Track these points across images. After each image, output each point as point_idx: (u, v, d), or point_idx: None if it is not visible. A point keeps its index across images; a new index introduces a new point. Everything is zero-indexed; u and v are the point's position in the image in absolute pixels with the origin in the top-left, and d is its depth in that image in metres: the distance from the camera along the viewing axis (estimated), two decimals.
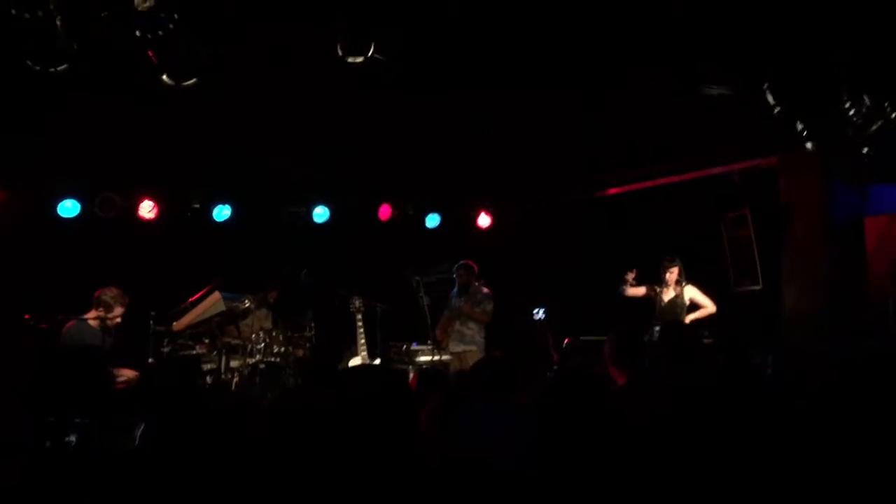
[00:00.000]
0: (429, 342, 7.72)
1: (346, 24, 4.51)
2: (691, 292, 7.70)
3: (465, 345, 7.95)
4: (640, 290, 7.89)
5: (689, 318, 7.61)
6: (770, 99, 5.59)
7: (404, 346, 7.94)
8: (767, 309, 7.37)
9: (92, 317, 6.22)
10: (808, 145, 6.22)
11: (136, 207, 8.38)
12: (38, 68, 4.06)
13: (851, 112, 5.74)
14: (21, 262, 7.58)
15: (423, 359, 7.74)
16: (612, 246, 8.69)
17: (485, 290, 8.06)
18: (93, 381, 3.35)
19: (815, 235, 7.09)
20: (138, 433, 4.45)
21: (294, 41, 5.10)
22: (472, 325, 7.99)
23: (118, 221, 8.29)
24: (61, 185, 8.10)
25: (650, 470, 2.74)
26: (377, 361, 7.60)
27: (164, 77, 4.41)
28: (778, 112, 5.69)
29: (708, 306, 7.63)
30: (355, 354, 7.50)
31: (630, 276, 7.82)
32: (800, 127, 5.98)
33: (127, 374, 6.29)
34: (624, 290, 7.85)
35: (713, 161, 7.92)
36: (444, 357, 7.76)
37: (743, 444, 3.05)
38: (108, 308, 6.22)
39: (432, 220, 9.90)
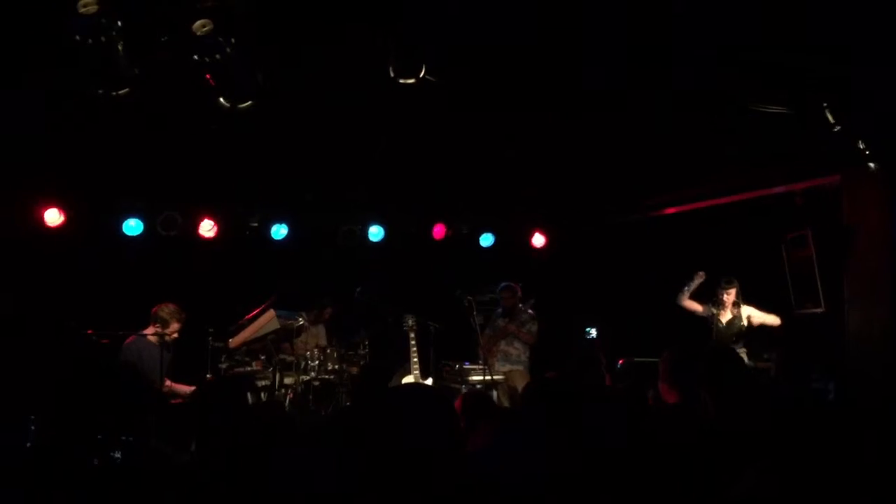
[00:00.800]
0: (480, 362, 7.71)
1: (395, 46, 4.55)
2: (749, 311, 7.55)
3: (511, 364, 7.94)
4: (697, 306, 7.77)
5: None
6: (829, 118, 5.47)
7: (457, 366, 7.95)
8: (830, 332, 7.15)
9: (150, 332, 6.38)
10: (871, 165, 6.07)
11: (196, 226, 8.58)
12: (100, 92, 4.20)
13: None
14: (86, 279, 7.83)
15: (475, 378, 7.73)
16: (669, 267, 8.56)
17: (530, 311, 8.03)
18: (137, 401, 3.43)
19: (879, 257, 6.86)
20: (193, 448, 4.54)
21: (348, 62, 5.18)
22: (517, 345, 7.98)
23: (179, 239, 8.50)
24: (125, 204, 8.34)
25: (690, 490, 2.68)
26: (429, 381, 7.61)
27: (221, 100, 4.51)
28: (838, 131, 5.57)
29: (772, 320, 7.50)
30: (408, 373, 7.54)
31: (700, 277, 7.71)
32: (861, 146, 5.84)
33: (184, 389, 6.43)
34: (682, 297, 7.74)
35: (773, 180, 7.75)
36: (497, 377, 7.74)
37: (799, 469, 2.96)
38: (165, 324, 6.36)
39: (486, 240, 9.90)
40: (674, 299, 7.83)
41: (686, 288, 7.78)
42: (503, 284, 8.18)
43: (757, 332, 7.66)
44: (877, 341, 6.70)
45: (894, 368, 6.39)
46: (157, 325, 6.36)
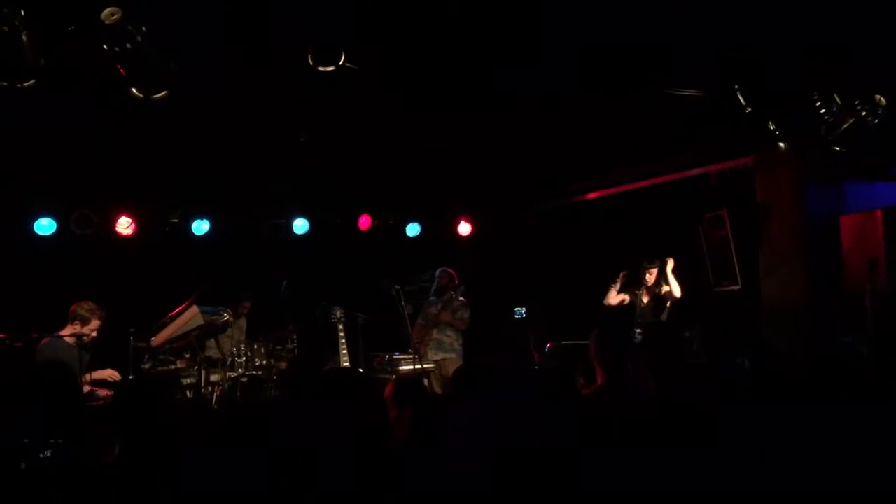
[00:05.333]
0: (410, 351, 7.71)
1: (316, 34, 4.50)
2: (674, 285, 7.75)
3: (444, 352, 7.95)
4: (623, 296, 7.93)
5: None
6: (741, 99, 5.64)
7: (387, 356, 7.93)
8: (746, 308, 7.41)
9: (67, 333, 6.16)
10: (781, 145, 6.29)
11: (113, 224, 8.32)
12: (5, 84, 4.03)
13: (823, 111, 5.81)
14: None
15: (405, 368, 7.72)
16: (592, 251, 8.72)
17: (461, 298, 8.06)
18: (64, 400, 3.31)
19: (791, 234, 7.15)
20: (116, 450, 4.41)
21: (268, 51, 5.09)
22: (450, 332, 7.99)
23: (95, 238, 8.24)
24: (37, 203, 8.04)
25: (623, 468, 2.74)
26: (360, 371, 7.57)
27: (134, 90, 4.38)
28: (749, 112, 5.75)
29: (676, 291, 7.70)
30: (337, 365, 7.47)
31: (619, 281, 7.86)
32: (772, 126, 6.04)
33: (104, 392, 6.24)
34: (608, 297, 7.90)
35: (689, 163, 7.96)
36: (427, 366, 7.75)
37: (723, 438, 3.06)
38: (85, 321, 6.16)
39: (413, 230, 9.91)
40: (601, 297, 7.95)
41: (612, 286, 7.93)
42: (442, 268, 8.20)
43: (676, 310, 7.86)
44: (790, 315, 6.98)
45: (808, 340, 6.67)
46: (77, 322, 6.15)
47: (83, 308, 6.19)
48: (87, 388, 6.14)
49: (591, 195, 9.22)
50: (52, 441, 4.30)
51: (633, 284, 8.00)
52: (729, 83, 5.62)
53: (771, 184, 7.32)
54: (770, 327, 7.09)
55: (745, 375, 4.42)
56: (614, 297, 7.94)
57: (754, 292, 7.38)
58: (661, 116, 6.54)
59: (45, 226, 8.02)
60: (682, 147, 7.66)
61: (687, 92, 5.69)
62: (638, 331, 7.36)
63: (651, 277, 7.82)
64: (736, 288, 7.74)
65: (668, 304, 7.80)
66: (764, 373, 4.44)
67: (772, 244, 7.30)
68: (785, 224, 7.20)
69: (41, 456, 3.87)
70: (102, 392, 6.17)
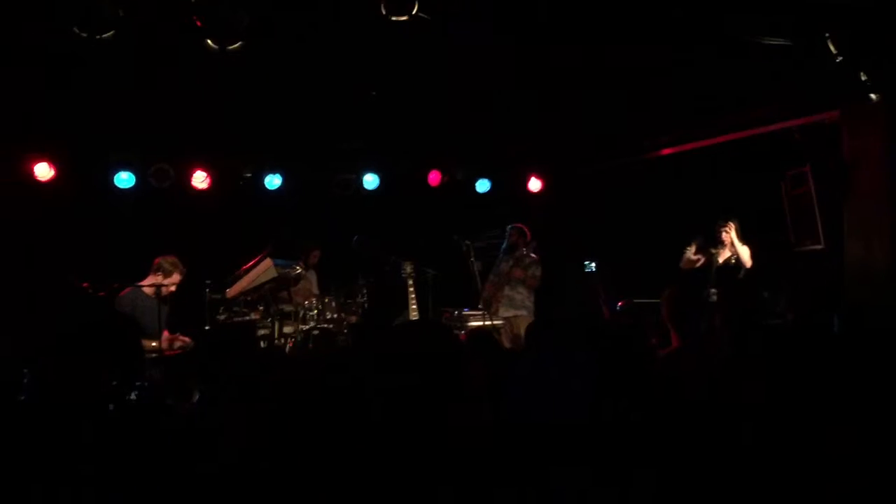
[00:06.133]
0: (480, 307, 7.69)
1: None
2: (742, 251, 7.49)
3: (516, 309, 7.91)
4: (699, 257, 7.69)
5: None
6: (831, 48, 5.35)
7: (456, 312, 7.93)
8: (830, 268, 7.14)
9: (147, 284, 6.34)
10: (872, 96, 5.98)
11: (189, 178, 8.49)
12: (84, 36, 4.09)
13: None
14: (80, 233, 7.78)
15: (474, 324, 7.71)
16: (668, 208, 8.50)
17: (533, 255, 7.98)
18: (125, 352, 3.39)
19: (879, 192, 6.81)
20: (195, 398, 4.53)
21: (339, 3, 5.05)
22: (521, 289, 7.93)
23: (172, 192, 8.42)
24: (116, 157, 8.24)
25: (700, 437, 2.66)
26: None
27: (209, 42, 4.40)
28: (839, 62, 5.46)
29: (746, 259, 7.46)
30: (406, 319, 7.51)
31: (692, 250, 7.65)
32: (863, 77, 5.73)
33: (183, 340, 6.42)
34: (682, 261, 7.68)
35: (771, 117, 7.64)
36: (496, 322, 7.73)
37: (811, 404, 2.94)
38: (167, 273, 6.35)
39: (482, 186, 9.83)
40: (677, 259, 7.73)
41: (687, 249, 7.71)
42: (514, 224, 8.13)
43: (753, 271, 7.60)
44: (877, 276, 6.69)
45: (894, 302, 6.39)
46: (159, 273, 6.34)
47: (167, 261, 6.38)
48: (165, 339, 6.33)
49: (666, 151, 8.96)
50: (138, 384, 4.46)
51: (708, 245, 7.75)
52: (818, 30, 5.34)
53: (859, 139, 6.97)
54: (854, 289, 6.81)
55: (835, 336, 4.25)
56: (689, 259, 7.72)
57: (838, 252, 7.10)
58: (740, 66, 6.27)
59: (124, 179, 8.23)
60: (763, 100, 7.35)
61: (774, 41, 5.43)
62: (713, 290, 7.22)
63: (727, 236, 7.56)
64: (819, 247, 7.45)
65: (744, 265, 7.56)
66: (854, 334, 4.27)
67: (857, 202, 6.99)
68: (872, 181, 6.87)
69: (128, 398, 4.01)
70: (179, 342, 6.35)
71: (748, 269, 7.41)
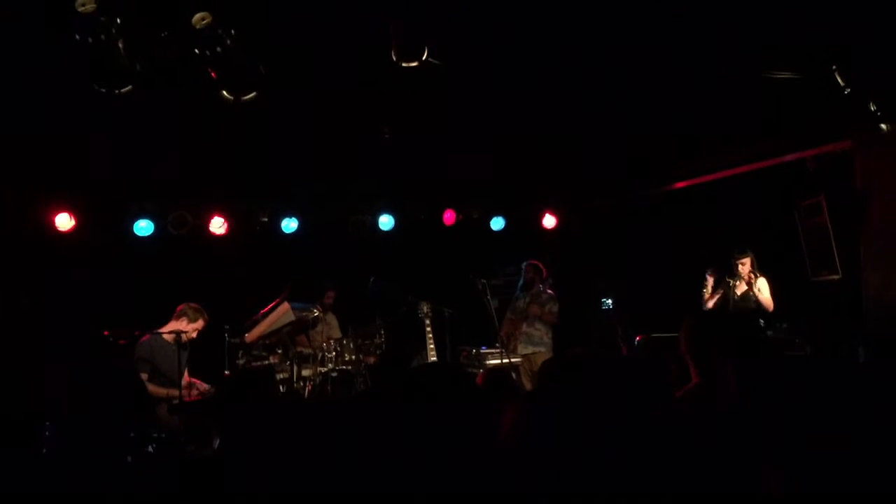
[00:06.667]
0: (497, 345, 7.69)
1: (398, 30, 4.51)
2: (762, 285, 7.47)
3: (535, 346, 7.91)
4: (718, 293, 7.66)
5: None
6: (839, 80, 5.39)
7: (473, 350, 7.93)
8: (847, 299, 7.09)
9: (167, 331, 6.38)
10: (883, 126, 5.99)
11: (207, 224, 8.60)
12: (103, 91, 4.19)
13: None
14: (100, 282, 7.87)
15: (492, 362, 7.72)
16: (682, 242, 8.50)
17: (549, 291, 7.99)
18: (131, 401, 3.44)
19: (893, 221, 6.79)
20: (216, 443, 4.54)
21: (351, 51, 5.15)
22: (539, 326, 7.94)
23: (190, 238, 8.52)
24: (135, 206, 8.36)
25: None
26: None
27: (224, 93, 4.49)
28: (848, 93, 5.49)
29: (767, 303, 7.43)
30: (425, 360, 7.52)
31: (708, 288, 7.64)
32: (873, 108, 5.76)
33: (202, 387, 6.44)
34: (704, 303, 7.66)
35: (784, 149, 7.66)
36: (514, 360, 7.72)
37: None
38: (192, 319, 6.43)
39: (497, 223, 9.88)
40: (698, 299, 7.72)
41: (703, 292, 7.70)
42: (528, 261, 8.16)
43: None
44: (895, 305, 6.64)
45: None
46: (183, 319, 6.41)
47: (191, 308, 6.47)
48: (185, 385, 6.35)
49: (680, 184, 8.98)
50: (154, 435, 4.49)
51: (724, 278, 7.72)
52: (825, 63, 5.38)
53: (872, 168, 6.97)
54: (874, 319, 6.76)
55: (860, 368, 4.19)
56: (710, 299, 7.69)
57: (854, 282, 7.06)
58: (752, 100, 6.32)
59: (143, 227, 8.34)
60: (776, 132, 7.38)
61: (783, 75, 5.48)
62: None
63: (744, 268, 7.55)
64: (836, 278, 7.41)
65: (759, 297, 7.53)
66: (880, 365, 4.22)
67: (874, 232, 6.97)
68: (887, 210, 6.86)
69: (146, 450, 4.03)
70: (196, 390, 6.38)
71: (770, 313, 7.40)
